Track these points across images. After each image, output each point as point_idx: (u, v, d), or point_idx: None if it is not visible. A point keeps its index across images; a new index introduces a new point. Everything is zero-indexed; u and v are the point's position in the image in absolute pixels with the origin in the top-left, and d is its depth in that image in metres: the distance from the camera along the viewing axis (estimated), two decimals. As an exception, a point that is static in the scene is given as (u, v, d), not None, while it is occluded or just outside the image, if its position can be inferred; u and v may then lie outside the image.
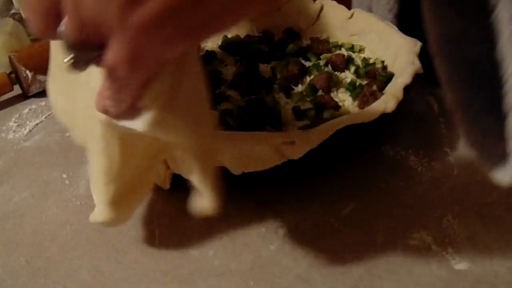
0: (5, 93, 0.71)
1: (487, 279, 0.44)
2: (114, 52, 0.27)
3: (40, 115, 0.68)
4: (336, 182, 0.54)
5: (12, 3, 0.82)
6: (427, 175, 0.54)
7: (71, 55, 0.29)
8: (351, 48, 0.66)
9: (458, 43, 0.32)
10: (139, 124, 0.31)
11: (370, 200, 0.52)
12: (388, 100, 0.51)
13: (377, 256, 0.46)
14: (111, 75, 0.29)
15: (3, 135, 0.65)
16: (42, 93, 0.72)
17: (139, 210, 0.52)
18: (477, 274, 0.44)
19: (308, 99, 0.58)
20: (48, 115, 0.68)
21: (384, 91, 0.57)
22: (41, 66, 0.70)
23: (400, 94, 0.51)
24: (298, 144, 0.47)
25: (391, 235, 0.48)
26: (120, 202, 0.40)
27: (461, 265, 0.45)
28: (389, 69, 0.61)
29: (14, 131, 0.65)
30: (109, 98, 0.30)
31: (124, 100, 0.30)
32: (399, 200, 0.51)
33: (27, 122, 0.67)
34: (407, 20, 0.70)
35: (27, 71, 0.69)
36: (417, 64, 0.55)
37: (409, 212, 0.50)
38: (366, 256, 0.46)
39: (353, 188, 0.53)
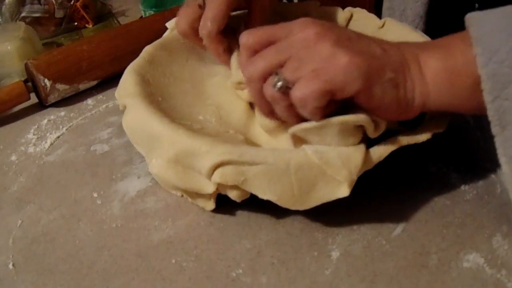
0: (21, 102, 0.68)
1: (545, 302, 0.43)
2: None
3: (61, 126, 0.66)
4: (382, 202, 0.52)
5: (22, 5, 0.79)
6: (472, 193, 0.53)
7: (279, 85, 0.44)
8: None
9: None
10: None
11: (419, 220, 0.50)
12: (439, 119, 0.50)
13: (433, 280, 0.45)
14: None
15: (22, 148, 0.62)
16: (60, 103, 0.69)
17: (180, 234, 0.50)
18: (534, 297, 0.44)
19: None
20: (69, 126, 0.65)
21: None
22: (60, 75, 0.67)
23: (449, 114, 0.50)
24: None
25: (444, 257, 0.47)
26: None
27: (517, 288, 0.44)
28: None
29: (34, 144, 0.63)
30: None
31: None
32: (448, 219, 0.50)
33: (47, 134, 0.64)
34: (436, 27, 0.69)
35: (46, 80, 0.66)
36: None
37: (459, 232, 0.49)
38: (422, 280, 0.45)
39: (400, 207, 0.52)
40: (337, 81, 0.42)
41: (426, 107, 0.46)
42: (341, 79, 0.42)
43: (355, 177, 0.46)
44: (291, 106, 0.45)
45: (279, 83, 0.44)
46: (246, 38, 0.47)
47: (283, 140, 0.51)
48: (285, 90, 0.44)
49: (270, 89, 0.45)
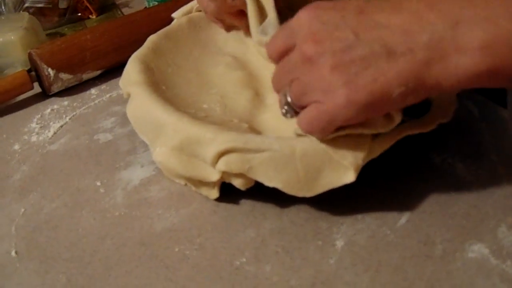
0: (25, 92, 0.67)
1: (551, 293, 0.43)
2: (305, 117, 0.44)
3: (64, 115, 0.66)
4: (387, 192, 0.52)
5: (25, -4, 0.79)
6: (477, 184, 0.53)
7: (286, 108, 0.45)
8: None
9: None
10: None
11: (424, 210, 0.50)
12: (445, 109, 0.49)
13: (438, 270, 0.45)
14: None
15: (25, 137, 0.62)
16: (63, 92, 0.69)
17: (183, 223, 0.50)
18: (540, 287, 0.43)
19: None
20: (73, 115, 0.65)
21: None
22: (64, 64, 0.67)
23: (455, 102, 0.50)
24: None
25: (449, 247, 0.46)
26: None
27: (522, 279, 0.44)
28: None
29: (37, 133, 0.63)
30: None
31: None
32: (452, 210, 0.50)
33: (51, 123, 0.64)
34: None
35: (49, 69, 0.66)
36: None
37: (464, 223, 0.49)
38: (427, 270, 0.45)
39: (405, 197, 0.51)
40: (339, 119, 0.41)
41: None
42: (343, 117, 0.41)
43: (361, 162, 0.46)
44: None
45: (285, 107, 0.45)
46: (270, 53, 0.47)
47: (290, 128, 0.51)
48: (292, 111, 0.45)
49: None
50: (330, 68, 0.40)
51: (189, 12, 0.67)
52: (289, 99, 0.44)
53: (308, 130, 0.44)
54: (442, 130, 0.57)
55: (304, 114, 0.43)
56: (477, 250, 0.46)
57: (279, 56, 0.45)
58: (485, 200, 0.51)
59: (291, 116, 0.45)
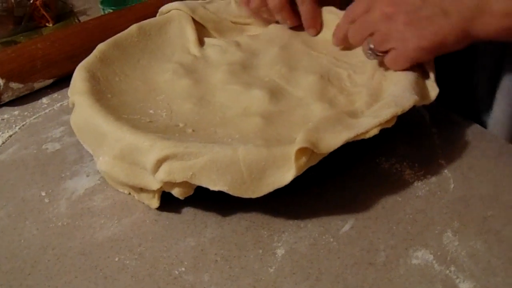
0: (-26, 101, 0.66)
1: (494, 299, 0.43)
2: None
3: (14, 125, 0.64)
4: (332, 198, 0.52)
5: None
6: (424, 189, 0.52)
7: (369, 52, 0.59)
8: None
9: None
10: None
11: (369, 217, 0.50)
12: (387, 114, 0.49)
13: (380, 277, 0.44)
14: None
15: (-27, 148, 0.61)
16: (15, 102, 0.68)
17: (125, 232, 0.49)
18: (483, 293, 0.43)
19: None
20: (23, 125, 0.64)
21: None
22: (14, 73, 0.66)
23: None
24: None
25: (392, 254, 0.46)
26: None
27: (466, 284, 0.43)
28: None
29: (-15, 144, 0.61)
30: None
31: None
32: (398, 216, 0.50)
33: (0, 133, 0.63)
34: None
35: (-2, 78, 0.65)
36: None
37: (409, 228, 0.48)
38: (369, 277, 0.44)
39: (351, 204, 0.51)
40: (412, 60, 0.56)
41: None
42: (414, 59, 0.56)
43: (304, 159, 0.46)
44: None
45: (369, 52, 0.59)
46: (350, 14, 0.63)
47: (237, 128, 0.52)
48: (374, 54, 0.59)
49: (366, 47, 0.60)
50: (404, 24, 0.55)
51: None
52: (371, 46, 0.58)
53: (393, 67, 0.58)
54: (391, 136, 0.58)
55: (388, 56, 0.58)
56: (421, 256, 0.46)
57: (358, 16, 0.60)
58: (432, 206, 0.51)
59: (374, 58, 0.60)
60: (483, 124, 0.67)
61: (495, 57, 0.66)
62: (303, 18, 0.70)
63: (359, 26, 0.60)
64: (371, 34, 0.58)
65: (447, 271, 0.45)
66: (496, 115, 0.67)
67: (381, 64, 0.60)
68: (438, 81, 0.57)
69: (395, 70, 0.58)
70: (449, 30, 0.53)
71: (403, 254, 0.46)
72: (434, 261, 0.46)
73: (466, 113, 0.64)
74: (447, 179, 0.54)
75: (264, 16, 0.72)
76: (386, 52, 0.58)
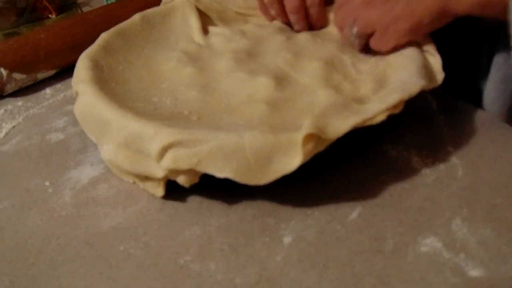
0: (-23, 92, 0.66)
1: (504, 285, 0.42)
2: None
3: (17, 116, 0.64)
4: (339, 186, 0.51)
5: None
6: (432, 177, 0.52)
7: (353, 38, 0.62)
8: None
9: None
10: None
11: (377, 204, 0.49)
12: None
13: (389, 265, 0.44)
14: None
15: (-24, 139, 0.61)
16: (18, 93, 0.67)
17: (130, 221, 0.49)
18: (493, 280, 0.42)
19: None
20: (26, 116, 0.64)
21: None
22: (17, 64, 0.66)
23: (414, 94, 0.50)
24: None
25: (401, 241, 0.46)
26: None
27: (475, 271, 0.43)
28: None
29: (-12, 135, 0.61)
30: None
31: None
32: (406, 204, 0.49)
33: (3, 124, 0.63)
34: None
35: (2, 69, 0.65)
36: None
37: (418, 216, 0.48)
38: (377, 265, 0.44)
39: (358, 191, 0.50)
40: (396, 40, 0.59)
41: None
42: (395, 40, 0.59)
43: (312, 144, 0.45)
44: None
45: (352, 37, 0.62)
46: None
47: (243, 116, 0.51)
48: (357, 39, 0.62)
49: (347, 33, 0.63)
50: (381, 8, 0.58)
51: None
52: (354, 31, 0.61)
53: (377, 48, 0.61)
54: (399, 123, 0.57)
55: (372, 39, 0.61)
56: (430, 243, 0.45)
57: (342, 4, 0.64)
58: (440, 193, 0.50)
59: (358, 43, 0.62)
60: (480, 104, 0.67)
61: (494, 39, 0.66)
62: (311, 19, 0.71)
63: (343, 13, 0.64)
64: (354, 21, 0.61)
65: (457, 259, 0.44)
66: (489, 90, 0.66)
67: (384, 54, 0.60)
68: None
69: (381, 51, 0.61)
70: (423, 10, 0.56)
71: (412, 241, 0.46)
72: (443, 249, 0.45)
73: (468, 97, 0.64)
74: (455, 166, 0.53)
75: (272, 12, 0.72)
76: (370, 35, 0.61)
